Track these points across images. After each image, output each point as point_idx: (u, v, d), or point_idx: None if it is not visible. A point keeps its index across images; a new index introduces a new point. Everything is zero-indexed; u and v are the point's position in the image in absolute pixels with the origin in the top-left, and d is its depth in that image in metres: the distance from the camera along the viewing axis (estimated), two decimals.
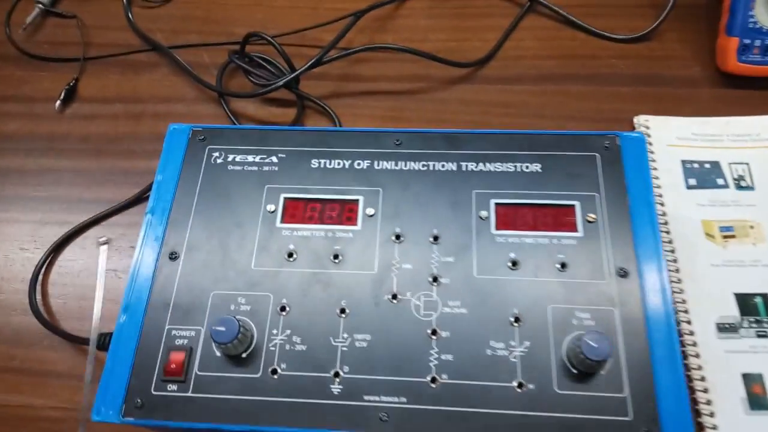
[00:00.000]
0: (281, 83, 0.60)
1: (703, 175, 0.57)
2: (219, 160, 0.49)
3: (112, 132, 0.64)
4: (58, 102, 0.66)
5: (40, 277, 0.55)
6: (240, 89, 0.66)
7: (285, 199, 0.47)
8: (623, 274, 0.42)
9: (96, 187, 0.61)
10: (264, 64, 0.64)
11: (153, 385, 0.41)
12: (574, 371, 0.40)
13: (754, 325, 0.50)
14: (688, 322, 0.50)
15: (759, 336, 0.49)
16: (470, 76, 0.66)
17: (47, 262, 0.56)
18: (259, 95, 0.61)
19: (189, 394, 0.40)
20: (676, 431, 0.38)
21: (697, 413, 0.47)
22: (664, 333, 0.40)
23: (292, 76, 0.60)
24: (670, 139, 0.59)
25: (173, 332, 0.42)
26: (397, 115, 0.63)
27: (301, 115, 0.62)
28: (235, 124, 0.62)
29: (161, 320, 0.43)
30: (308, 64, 0.60)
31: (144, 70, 0.69)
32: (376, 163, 0.48)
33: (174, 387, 0.41)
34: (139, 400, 0.40)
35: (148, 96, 0.67)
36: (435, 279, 0.43)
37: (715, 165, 0.57)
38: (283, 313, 0.43)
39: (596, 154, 0.47)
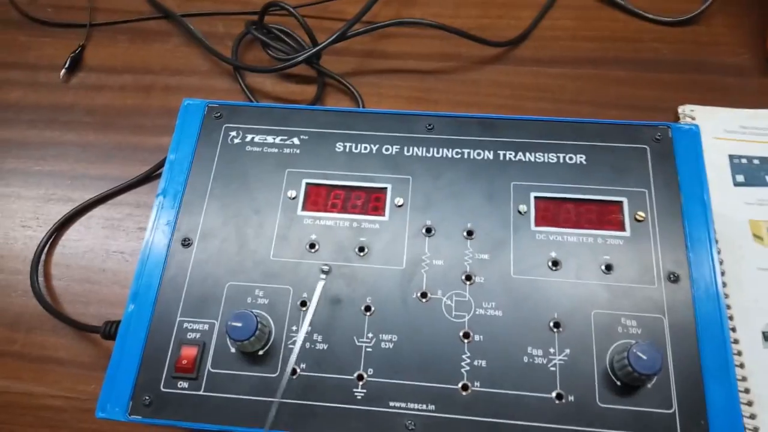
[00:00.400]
0: (302, 58, 0.56)
1: (752, 172, 0.53)
2: (236, 140, 0.46)
3: (119, 104, 0.61)
4: (63, 70, 0.62)
5: (43, 257, 0.52)
6: (257, 63, 0.62)
7: (307, 184, 0.44)
8: (674, 279, 0.39)
9: (102, 162, 0.57)
10: (283, 36, 0.60)
11: (162, 381, 0.38)
12: (618, 383, 0.36)
13: None
14: (733, 330, 0.47)
15: None
16: (503, 56, 0.61)
17: (50, 241, 0.53)
18: (277, 70, 0.57)
19: (201, 392, 0.38)
20: None
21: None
22: (718, 345, 0.37)
23: (314, 50, 0.56)
24: (717, 131, 0.55)
25: (185, 325, 0.39)
26: (423, 96, 0.59)
27: (321, 93, 0.59)
28: (251, 100, 0.58)
29: (172, 311, 0.40)
30: (331, 38, 0.56)
31: (155, 39, 0.65)
32: (406, 148, 0.45)
33: (185, 384, 0.38)
34: (147, 398, 0.37)
35: (158, 67, 0.63)
36: (468, 277, 0.40)
37: (765, 161, 0.53)
38: (304, 308, 0.40)
39: (646, 147, 0.44)
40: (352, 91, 0.58)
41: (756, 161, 0.54)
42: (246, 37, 0.62)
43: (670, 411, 0.36)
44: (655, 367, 0.34)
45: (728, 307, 0.47)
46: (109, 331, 0.43)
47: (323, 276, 0.38)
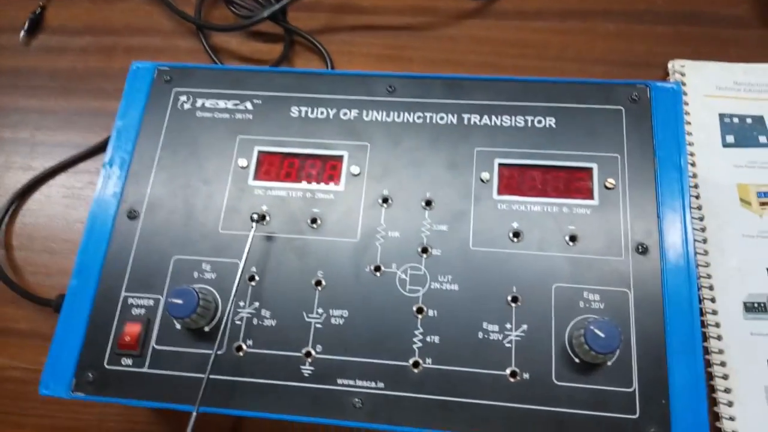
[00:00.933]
0: (266, 14, 0.53)
1: (744, 132, 0.49)
2: (186, 105, 0.43)
3: (81, 67, 0.58)
4: (23, 32, 0.59)
5: (3, 227, 0.51)
6: (223, 21, 0.59)
7: (259, 152, 0.41)
8: (642, 250, 0.37)
9: (63, 129, 0.55)
10: None
11: (106, 358, 0.37)
12: (577, 360, 0.35)
13: None
14: (712, 300, 0.44)
15: None
16: (483, 9, 0.57)
17: (10, 211, 0.52)
18: (241, 28, 0.54)
19: (145, 369, 0.37)
20: None
21: (714, 402, 0.42)
22: (685, 321, 0.35)
23: (278, 6, 0.53)
24: (709, 88, 0.51)
25: (130, 300, 0.38)
26: (397, 54, 0.56)
27: (288, 52, 0.56)
28: (214, 60, 0.55)
29: (117, 286, 0.38)
30: None
31: None
32: (365, 113, 0.42)
33: (129, 361, 0.37)
34: (90, 375, 0.36)
35: (121, 27, 0.60)
36: (425, 250, 0.38)
37: (759, 120, 0.50)
38: (252, 283, 0.38)
39: (621, 108, 0.40)
40: (320, 49, 0.55)
41: (749, 120, 0.50)
42: None
43: (630, 390, 0.34)
44: (613, 346, 0.33)
45: (708, 276, 0.45)
46: (60, 304, 0.42)
47: (253, 224, 0.36)
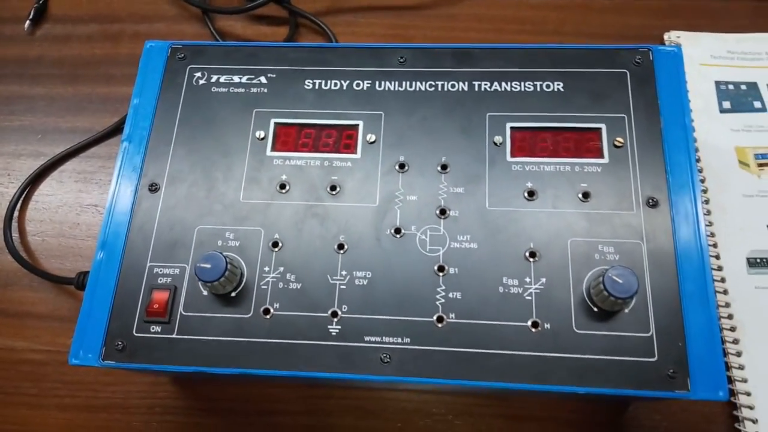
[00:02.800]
0: None
1: (739, 98, 0.51)
2: (202, 81, 0.44)
3: (87, 54, 0.59)
4: (28, 22, 0.59)
5: (16, 213, 0.51)
6: (227, 5, 0.59)
7: (276, 124, 0.42)
8: (653, 204, 0.38)
9: (72, 115, 0.56)
10: None
11: (135, 326, 0.37)
12: (596, 309, 0.36)
13: None
14: (717, 257, 0.46)
15: None
16: None
17: (23, 197, 0.52)
18: (246, 10, 0.55)
19: (174, 335, 0.37)
20: (705, 372, 0.34)
21: (723, 353, 0.44)
22: (697, 268, 0.36)
23: None
24: (704, 57, 0.53)
25: (155, 270, 0.39)
26: (400, 33, 0.57)
27: (294, 33, 0.57)
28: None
29: (142, 257, 0.39)
30: None
31: None
32: (377, 83, 0.43)
33: (158, 328, 0.37)
34: (119, 343, 0.37)
35: (125, 14, 0.60)
36: (443, 212, 0.39)
37: (752, 86, 0.52)
38: (276, 249, 0.39)
39: (626, 71, 0.42)
40: (325, 30, 0.56)
41: (743, 87, 0.52)
42: None
43: (648, 334, 0.35)
44: (631, 290, 0.34)
45: (712, 234, 0.47)
46: (82, 281, 0.42)
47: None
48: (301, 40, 0.57)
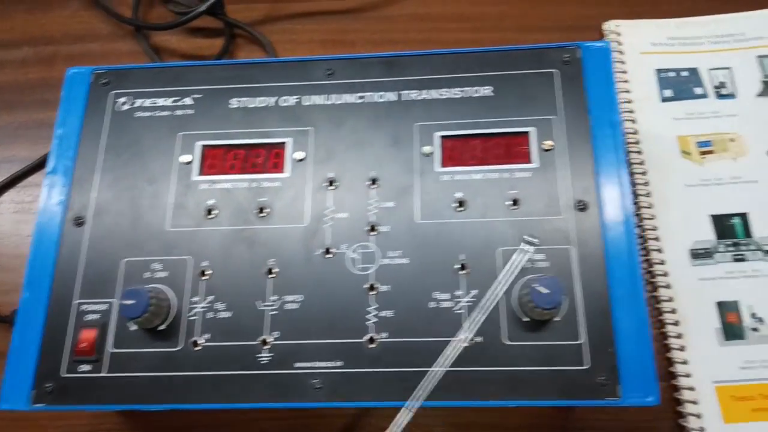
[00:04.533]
0: (203, 9, 0.53)
1: (680, 85, 0.51)
2: (126, 107, 0.43)
3: (22, 80, 0.57)
4: None
5: None
6: (162, 20, 0.58)
7: (203, 147, 0.41)
8: (582, 207, 0.38)
9: (8, 144, 0.55)
10: None
11: (64, 367, 0.37)
12: (526, 320, 0.36)
13: (731, 248, 0.46)
14: (659, 251, 0.46)
15: (736, 260, 0.45)
16: None
17: None
18: (179, 25, 0.54)
19: (103, 374, 0.37)
20: (636, 378, 0.34)
21: (667, 348, 0.44)
22: (626, 271, 0.36)
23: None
24: (644, 45, 0.52)
25: (83, 307, 0.38)
26: (340, 38, 0.56)
27: (229, 45, 0.55)
28: (155, 61, 0.55)
29: (69, 294, 0.38)
30: None
31: (53, 6, 0.60)
32: (304, 98, 0.42)
33: (87, 367, 0.37)
34: (49, 385, 0.36)
35: (59, 35, 0.59)
36: (373, 228, 0.39)
37: (694, 72, 0.51)
38: (204, 278, 0.38)
39: (554, 71, 0.41)
40: (261, 40, 0.55)
41: (685, 73, 0.51)
42: None
43: (579, 342, 0.35)
44: (556, 301, 0.33)
45: (655, 228, 0.46)
46: (14, 318, 0.41)
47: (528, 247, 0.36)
48: (238, 51, 0.56)
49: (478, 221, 0.38)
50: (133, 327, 0.37)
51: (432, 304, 0.37)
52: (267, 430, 0.44)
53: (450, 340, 0.36)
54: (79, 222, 0.40)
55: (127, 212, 0.40)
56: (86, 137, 0.42)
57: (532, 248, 0.36)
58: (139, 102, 0.43)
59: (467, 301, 0.36)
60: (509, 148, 0.40)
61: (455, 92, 0.41)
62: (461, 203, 0.38)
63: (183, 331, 0.37)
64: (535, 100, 0.41)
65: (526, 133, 0.40)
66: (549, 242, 0.37)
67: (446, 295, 0.37)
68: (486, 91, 0.41)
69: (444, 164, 0.40)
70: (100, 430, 0.45)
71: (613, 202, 0.38)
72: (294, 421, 0.44)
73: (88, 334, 0.37)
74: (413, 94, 0.42)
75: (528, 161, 0.39)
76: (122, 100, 0.43)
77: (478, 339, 0.36)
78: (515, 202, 0.38)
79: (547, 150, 0.39)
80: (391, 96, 0.42)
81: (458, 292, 0.37)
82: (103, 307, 0.38)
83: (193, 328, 0.37)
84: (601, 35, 0.53)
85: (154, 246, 0.39)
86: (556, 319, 0.36)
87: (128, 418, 0.45)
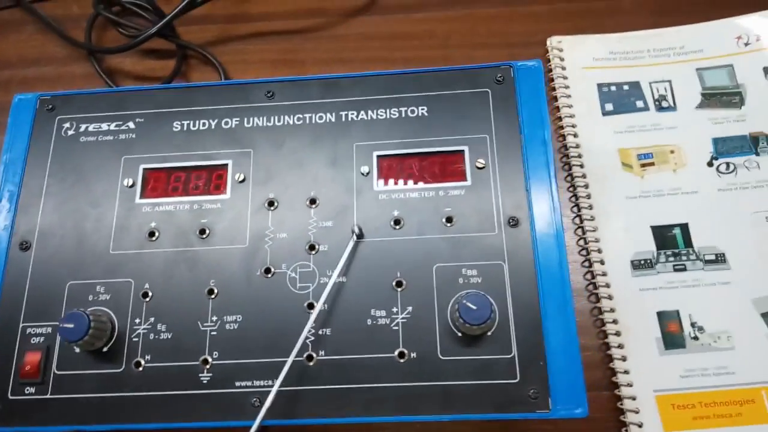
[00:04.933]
0: (153, 31, 0.54)
1: (621, 99, 0.52)
2: (70, 132, 0.44)
3: None
4: None
5: None
6: (115, 43, 0.59)
7: (144, 170, 0.42)
8: (514, 223, 0.39)
9: None
10: (138, 10, 0.57)
11: (10, 389, 0.37)
12: (459, 335, 0.37)
13: (671, 258, 0.47)
14: (602, 262, 0.47)
15: (676, 270, 0.46)
16: (369, 6, 0.59)
17: None
18: (130, 48, 0.54)
19: (48, 396, 0.37)
20: (567, 389, 0.35)
21: (610, 359, 0.45)
22: (557, 285, 0.37)
23: (162, 22, 0.53)
24: (586, 60, 0.53)
25: (28, 330, 0.39)
26: (291, 57, 0.57)
27: (180, 66, 0.56)
28: (108, 83, 0.56)
29: (15, 318, 0.39)
30: (179, 6, 0.53)
31: (8, 30, 0.61)
32: (246, 120, 0.43)
33: (32, 390, 0.37)
34: None
35: (15, 59, 0.59)
36: (312, 247, 0.39)
37: (635, 85, 0.52)
38: (146, 300, 0.39)
39: (488, 90, 0.42)
40: (213, 61, 0.56)
41: (626, 87, 0.52)
42: (98, 18, 0.58)
43: (510, 356, 0.36)
44: (484, 317, 0.34)
45: (597, 240, 0.47)
46: None
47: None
48: (191, 72, 0.57)
49: (414, 239, 0.39)
50: (78, 349, 0.38)
51: (369, 321, 0.37)
52: None
53: (386, 356, 0.36)
54: (24, 246, 0.40)
55: (71, 236, 0.41)
56: (32, 162, 0.43)
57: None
58: (83, 126, 0.44)
59: (403, 318, 0.37)
60: (444, 167, 0.41)
61: (392, 112, 0.42)
62: (398, 221, 0.39)
63: (125, 353, 0.38)
64: (469, 119, 0.42)
65: (461, 151, 0.41)
66: (483, 258, 0.38)
67: (382, 312, 0.38)
68: (421, 110, 0.42)
69: (380, 183, 0.41)
70: None
71: (544, 217, 0.39)
72: None
73: (33, 357, 0.38)
74: (352, 115, 0.43)
75: (463, 179, 0.40)
76: (67, 125, 0.44)
77: (413, 354, 0.36)
78: (450, 219, 0.39)
79: (480, 168, 0.40)
80: (330, 117, 0.43)
81: (395, 309, 0.38)
82: (48, 330, 0.38)
83: (135, 349, 0.38)
84: (545, 51, 0.54)
85: (98, 269, 0.40)
86: (489, 333, 0.36)
87: None
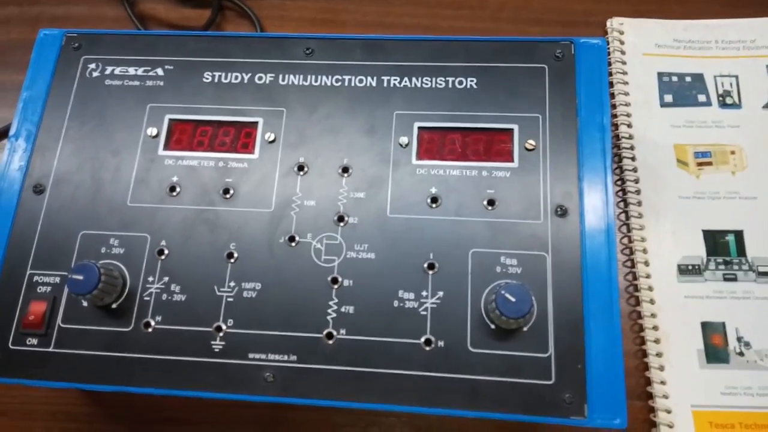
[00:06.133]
0: None
1: (682, 90, 0.48)
2: (95, 73, 0.41)
3: (4, 40, 0.56)
4: None
5: None
6: None
7: (170, 120, 0.40)
8: (562, 213, 0.35)
9: None
10: None
11: (11, 338, 0.36)
12: (493, 327, 0.34)
13: (721, 266, 0.43)
14: (646, 263, 0.44)
15: (726, 279, 0.43)
16: None
17: None
18: None
19: (50, 349, 0.35)
20: (605, 397, 0.32)
21: (646, 367, 0.42)
22: (603, 284, 0.34)
23: None
24: (648, 46, 0.49)
25: (35, 278, 0.37)
26: (331, 17, 0.54)
27: (216, 17, 0.53)
28: (139, 29, 0.53)
29: (22, 264, 0.37)
30: None
31: None
32: (281, 77, 0.40)
33: (34, 341, 0.35)
34: None
35: None
36: (341, 218, 0.37)
37: (698, 78, 0.48)
38: (162, 257, 0.37)
39: (545, 66, 0.39)
40: (250, 14, 0.53)
41: (688, 78, 0.49)
42: None
43: (546, 355, 0.33)
44: (523, 311, 0.32)
45: (643, 239, 0.44)
46: None
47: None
48: (225, 24, 0.54)
49: (451, 219, 0.36)
50: (85, 303, 0.36)
51: (396, 303, 0.35)
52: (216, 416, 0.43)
53: (411, 342, 0.34)
54: (38, 190, 0.38)
55: (88, 183, 0.38)
56: (52, 102, 0.40)
57: None
58: (109, 69, 0.41)
59: (432, 303, 0.35)
60: (490, 145, 0.38)
61: (438, 82, 0.39)
62: (435, 199, 0.36)
63: (135, 312, 0.36)
64: (521, 95, 0.38)
65: (510, 130, 0.37)
66: (524, 247, 0.35)
67: (411, 295, 0.35)
68: (470, 82, 0.39)
69: (420, 157, 0.38)
70: (57, 403, 0.43)
71: (596, 210, 0.35)
72: (262, 410, 0.43)
73: (38, 307, 0.36)
74: (394, 81, 0.39)
75: (509, 160, 0.37)
76: (92, 66, 0.41)
77: (441, 343, 0.34)
78: (492, 202, 0.36)
79: (529, 150, 0.37)
80: (371, 81, 0.40)
81: (424, 293, 0.35)
82: (56, 280, 0.36)
83: (146, 308, 0.36)
84: (604, 32, 0.51)
85: (113, 221, 0.37)
86: (524, 328, 0.34)
87: (86, 393, 0.44)
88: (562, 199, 0.36)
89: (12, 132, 0.40)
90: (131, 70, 0.41)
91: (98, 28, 0.53)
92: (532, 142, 0.37)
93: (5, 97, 0.54)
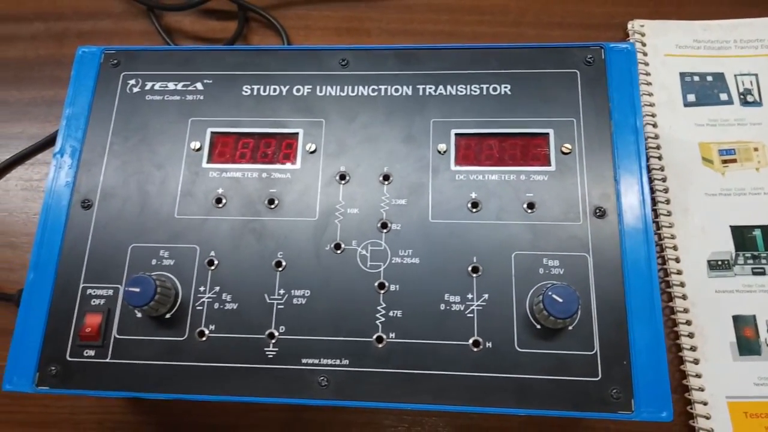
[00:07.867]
0: None
1: (705, 90, 0.49)
2: (135, 89, 0.42)
3: (32, 56, 0.56)
4: None
5: None
6: (175, 1, 0.57)
7: (212, 133, 0.41)
8: (600, 214, 0.37)
9: (18, 120, 0.54)
10: None
11: (68, 350, 0.37)
12: (538, 327, 0.35)
13: (750, 261, 0.45)
14: (677, 260, 0.45)
15: (755, 273, 0.44)
16: None
17: None
18: (192, 7, 0.53)
19: (107, 360, 0.36)
20: (650, 392, 0.34)
21: (681, 361, 0.43)
22: (644, 282, 0.35)
23: None
24: (669, 47, 0.51)
25: (88, 291, 0.38)
26: (356, 26, 0.55)
27: (242, 29, 0.54)
28: (167, 41, 0.54)
29: (75, 278, 0.38)
30: None
31: None
32: (318, 88, 0.41)
33: (91, 352, 0.36)
34: (53, 368, 0.36)
35: (70, 12, 0.58)
36: (384, 225, 0.38)
37: (719, 77, 0.50)
38: (212, 268, 0.38)
39: (576, 71, 0.40)
40: (276, 25, 0.54)
41: (709, 78, 0.50)
42: None
43: (592, 353, 0.34)
44: (570, 311, 0.33)
45: (672, 236, 0.45)
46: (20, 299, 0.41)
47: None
48: (251, 36, 0.55)
49: (492, 223, 0.37)
50: (139, 314, 0.37)
51: (442, 306, 0.36)
52: (265, 421, 0.44)
53: (460, 344, 0.35)
54: (86, 205, 0.39)
55: (134, 197, 0.39)
56: (95, 118, 0.41)
57: None
58: (149, 85, 0.42)
59: (478, 305, 0.36)
60: (527, 150, 0.39)
61: (473, 89, 0.40)
62: (475, 204, 0.38)
63: (189, 321, 0.37)
64: (554, 100, 0.39)
65: (545, 134, 0.39)
66: (565, 249, 0.36)
67: (457, 298, 0.36)
68: (504, 88, 0.40)
69: (458, 163, 0.39)
70: (105, 413, 0.44)
71: (633, 210, 0.36)
72: (288, 413, 0.44)
73: (93, 319, 0.37)
74: (430, 89, 0.41)
75: (546, 164, 0.38)
76: (132, 82, 0.42)
77: (489, 344, 0.35)
78: (531, 205, 0.37)
79: (566, 153, 0.38)
80: (407, 90, 0.41)
81: (470, 296, 0.36)
82: (109, 292, 0.37)
83: (199, 318, 0.37)
84: (624, 34, 0.52)
85: (162, 233, 0.38)
86: (570, 328, 0.35)
87: (134, 403, 0.45)
88: (600, 201, 0.37)
89: (57, 149, 0.41)
90: (171, 85, 0.42)
91: (125, 43, 0.55)
92: (568, 145, 0.38)
93: (34, 112, 0.54)
